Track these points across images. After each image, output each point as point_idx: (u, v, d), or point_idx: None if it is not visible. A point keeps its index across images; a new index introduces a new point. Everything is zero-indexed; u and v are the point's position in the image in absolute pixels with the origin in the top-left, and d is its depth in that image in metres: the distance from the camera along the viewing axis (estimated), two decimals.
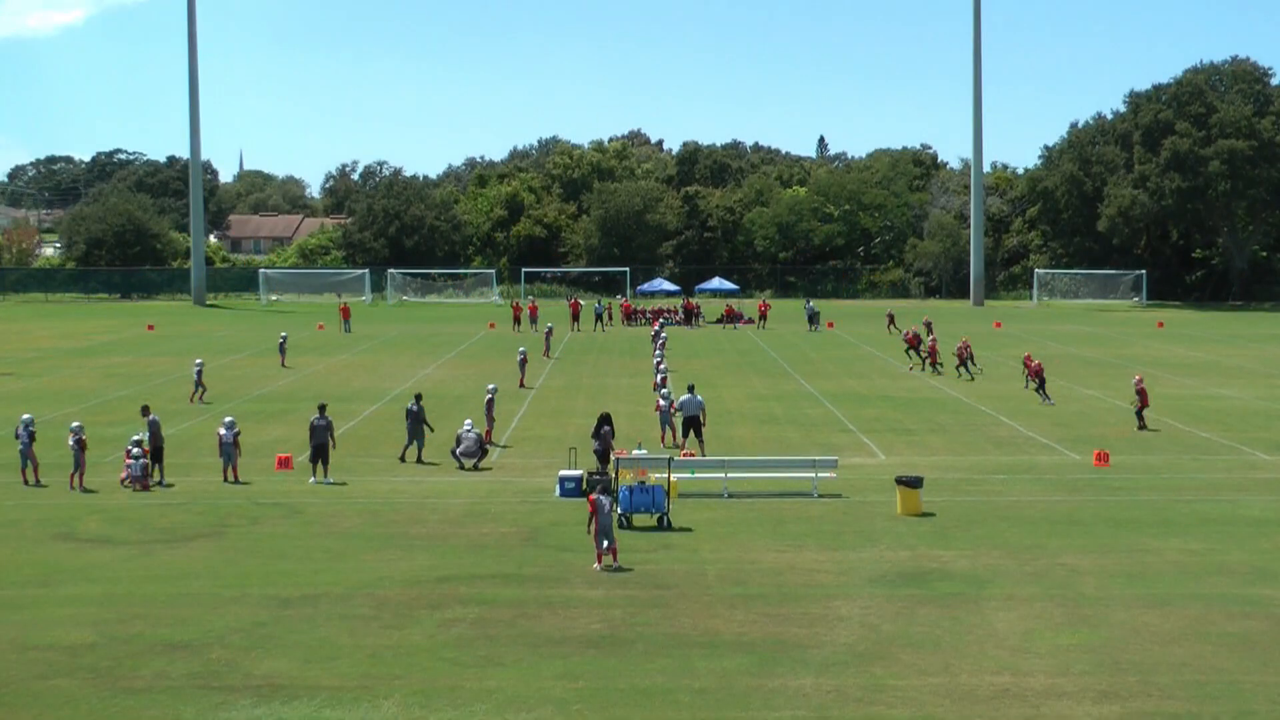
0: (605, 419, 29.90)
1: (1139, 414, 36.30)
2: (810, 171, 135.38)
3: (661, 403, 34.05)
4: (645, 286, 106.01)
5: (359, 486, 28.89)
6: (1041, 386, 40.71)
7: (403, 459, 31.63)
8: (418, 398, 32.48)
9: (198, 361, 44.34)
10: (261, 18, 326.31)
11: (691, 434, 31.95)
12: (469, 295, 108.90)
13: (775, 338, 62.59)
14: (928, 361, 50.36)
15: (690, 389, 33.00)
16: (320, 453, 29.18)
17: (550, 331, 59.62)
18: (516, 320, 73.91)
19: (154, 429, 29.19)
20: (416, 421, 31.33)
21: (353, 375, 50.71)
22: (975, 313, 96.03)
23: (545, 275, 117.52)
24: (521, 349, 48.29)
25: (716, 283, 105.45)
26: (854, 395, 44.77)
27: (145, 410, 30.33)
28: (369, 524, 25.08)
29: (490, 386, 35.39)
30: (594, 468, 28.06)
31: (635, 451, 28.03)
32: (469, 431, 30.95)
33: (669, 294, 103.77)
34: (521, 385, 45.45)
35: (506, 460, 32.16)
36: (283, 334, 56.17)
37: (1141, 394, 36.46)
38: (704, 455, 30.51)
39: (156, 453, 29.10)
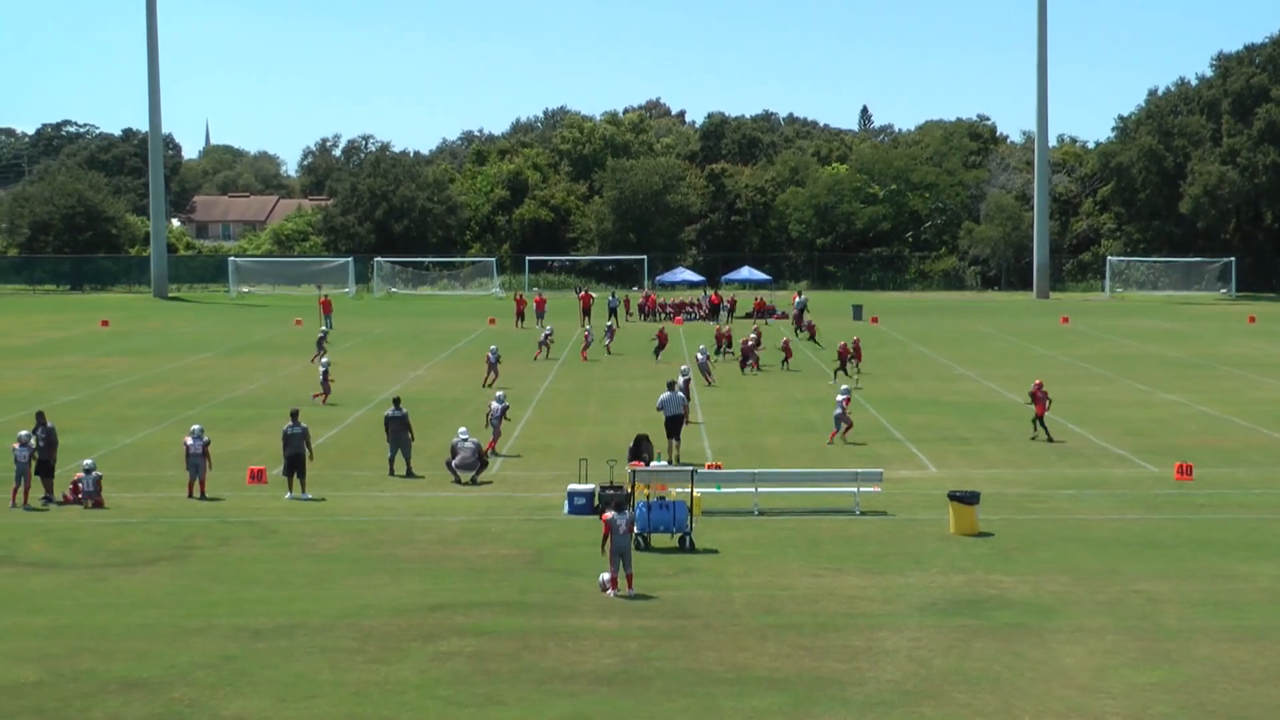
0: (642, 442, 30.73)
1: (1038, 421, 36.16)
2: (852, 147, 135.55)
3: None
4: (665, 276, 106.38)
5: (341, 502, 29.09)
6: (1040, 419, 36.56)
7: (391, 472, 31.76)
8: (396, 402, 32.59)
9: (324, 360, 47.15)
10: None
11: (674, 440, 33.19)
12: (466, 287, 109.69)
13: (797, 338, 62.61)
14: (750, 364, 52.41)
15: (670, 386, 34.13)
16: (295, 464, 29.35)
17: (549, 337, 58.37)
18: (520, 315, 74.22)
19: (48, 439, 28.79)
20: (400, 428, 31.53)
21: (335, 377, 50.98)
22: (1039, 306, 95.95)
23: (552, 264, 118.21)
24: (493, 347, 49.02)
25: (746, 272, 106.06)
26: (901, 399, 44.95)
27: (40, 417, 29.60)
28: (352, 545, 25.26)
29: (498, 395, 35.70)
30: (609, 481, 28.14)
31: (654, 463, 28.05)
32: (465, 441, 31.16)
33: (691, 285, 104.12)
34: (485, 385, 46.68)
35: (509, 473, 32.35)
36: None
37: (1037, 398, 36.30)
38: (679, 461, 31.34)
39: (45, 466, 28.67)
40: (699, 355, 49.55)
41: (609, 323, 65.38)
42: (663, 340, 56.25)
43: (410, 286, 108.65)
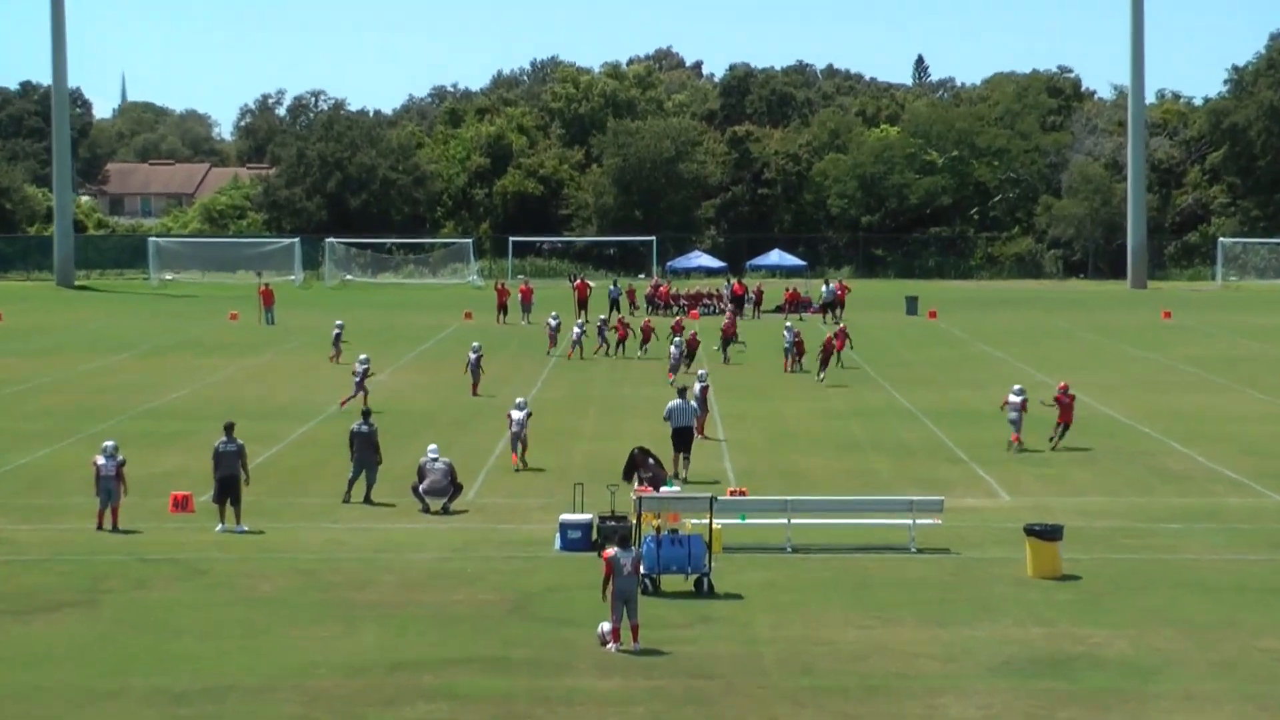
0: (639, 459, 30.71)
1: (1063, 430, 37.66)
2: (904, 105, 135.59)
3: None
4: (678, 262, 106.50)
5: (284, 536, 28.84)
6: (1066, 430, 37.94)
7: (347, 499, 31.72)
8: (366, 415, 32.69)
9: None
10: None
11: (682, 455, 34.09)
12: (437, 274, 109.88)
13: (858, 333, 62.51)
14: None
15: (682, 393, 35.08)
16: (228, 489, 29.16)
17: (556, 328, 60.46)
18: (502, 308, 74.19)
19: None
20: (367, 447, 31.53)
21: (277, 384, 50.94)
22: (1135, 298, 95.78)
23: (541, 247, 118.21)
24: (476, 345, 49.01)
25: (776, 256, 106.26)
26: (965, 411, 44.82)
27: None
28: (298, 588, 25.02)
29: (518, 402, 36.61)
30: (610, 510, 28.02)
31: (664, 488, 28.03)
32: (435, 461, 31.16)
33: (710, 272, 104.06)
34: (475, 394, 47.10)
35: (489, 499, 32.16)
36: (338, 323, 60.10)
37: (1063, 405, 37.54)
38: (686, 477, 32.37)
39: None
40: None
41: (601, 318, 63.21)
42: (692, 346, 54.06)
43: (369, 274, 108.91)
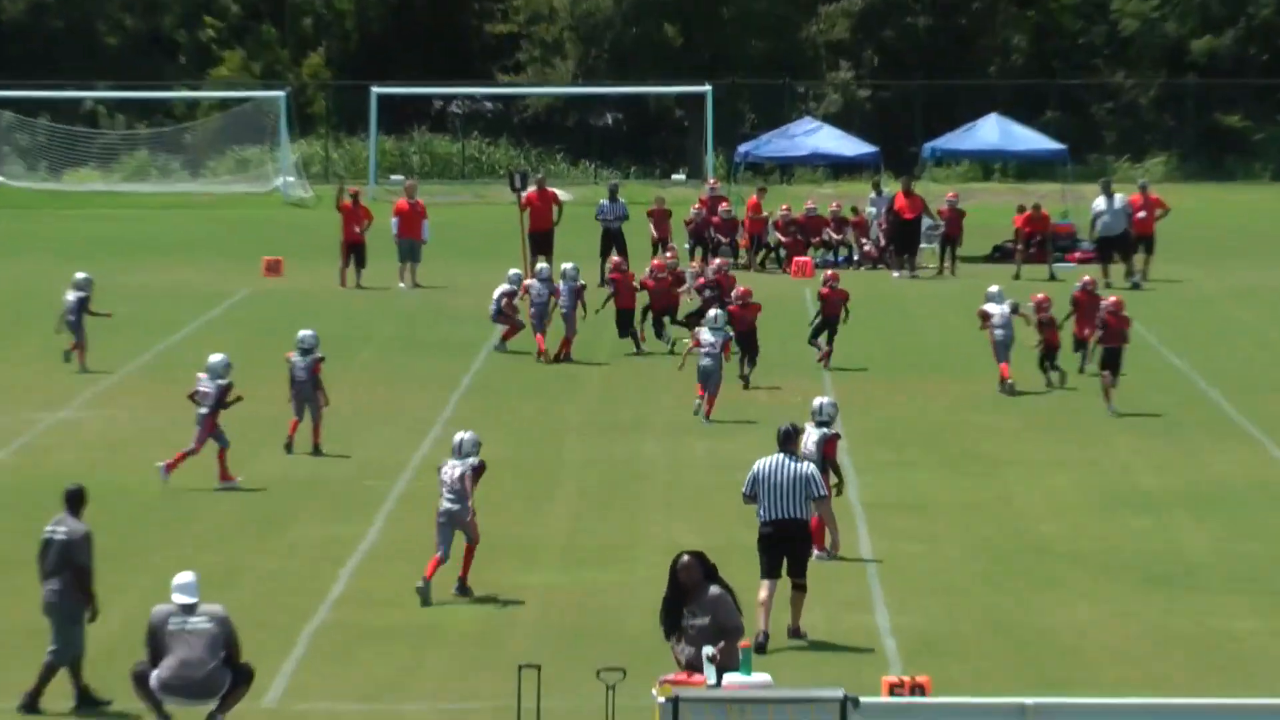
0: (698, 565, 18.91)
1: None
2: None
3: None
4: (765, 144, 55.75)
5: None
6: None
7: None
8: (73, 500, 19.20)
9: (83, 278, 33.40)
10: None
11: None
12: (199, 175, 63.31)
13: (1153, 309, 40.64)
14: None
15: (786, 439, 20.92)
16: None
17: (510, 295, 35.62)
18: (353, 249, 42.53)
19: None
20: (61, 567, 20.07)
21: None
22: None
23: (449, 107, 66.85)
24: (306, 336, 28.25)
25: (988, 130, 53.14)
26: None
27: None
28: None
29: (463, 439, 22.66)
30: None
31: (734, 676, 16.04)
32: (187, 619, 18.42)
33: (838, 166, 59.34)
34: (316, 446, 28.07)
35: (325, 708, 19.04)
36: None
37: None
38: (801, 631, 20.38)
39: None
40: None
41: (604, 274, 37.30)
42: (746, 321, 31.62)
43: (53, 173, 62.85)
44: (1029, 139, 53.32)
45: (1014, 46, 68.40)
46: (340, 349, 33.17)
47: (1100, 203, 42.95)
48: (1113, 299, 31.00)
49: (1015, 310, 32.05)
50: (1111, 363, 30.02)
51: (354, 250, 41.73)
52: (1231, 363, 37.97)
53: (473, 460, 21.47)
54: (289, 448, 26.78)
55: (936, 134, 55.43)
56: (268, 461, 27.19)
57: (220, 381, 25.75)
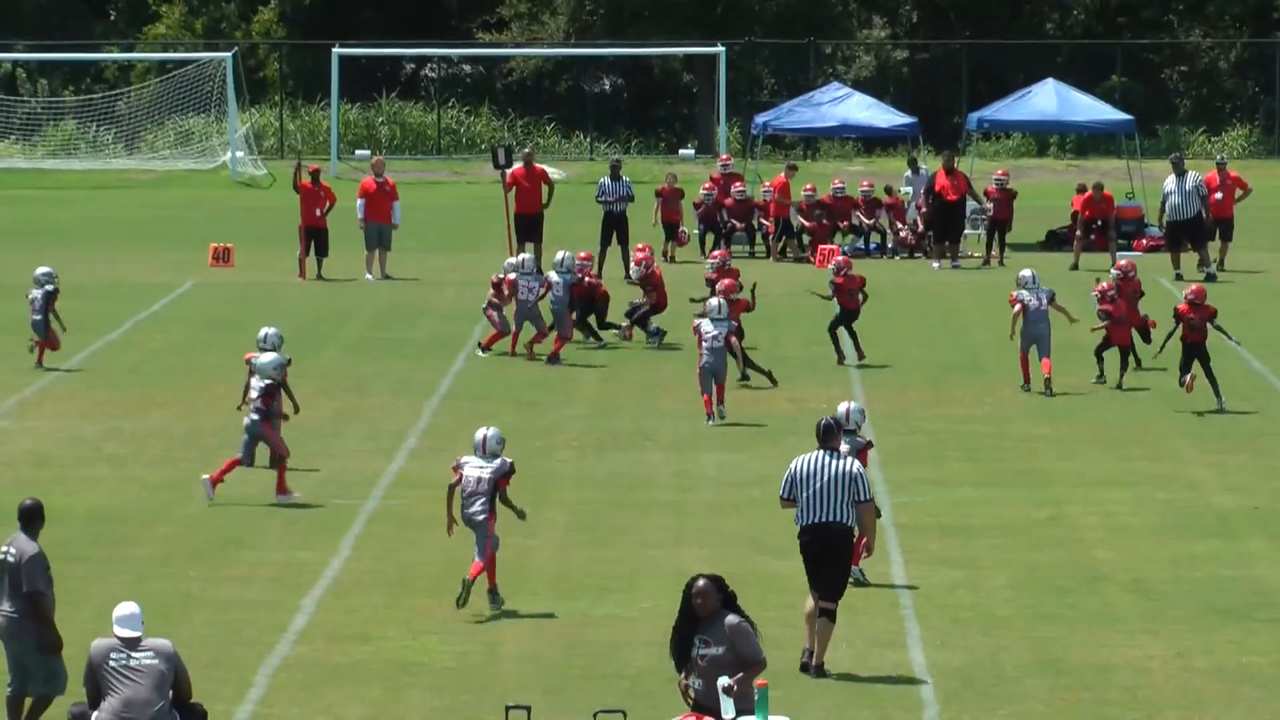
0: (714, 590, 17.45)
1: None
2: None
3: None
4: (785, 114, 50.73)
5: None
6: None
7: None
8: (29, 516, 18.62)
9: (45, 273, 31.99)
10: None
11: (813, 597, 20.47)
12: (135, 150, 60.42)
13: (1230, 303, 37.85)
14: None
15: (826, 434, 20.27)
16: None
17: (498, 287, 34.59)
18: (311, 238, 41.05)
19: None
20: (14, 585, 18.92)
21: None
22: None
23: (422, 72, 64.84)
24: (269, 334, 28.29)
25: (1046, 97, 50.85)
26: None
27: None
28: None
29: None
30: None
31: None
32: (129, 654, 17.46)
33: (871, 139, 56.19)
34: (279, 473, 28.26)
35: None
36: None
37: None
38: (819, 664, 19.60)
39: None
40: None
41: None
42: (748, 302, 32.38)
43: None
44: (1090, 108, 49.65)
45: (1074, 1, 64.40)
46: (300, 350, 32.00)
47: (1171, 182, 41.19)
48: (1194, 286, 29.77)
49: (1052, 300, 29.56)
50: (1198, 361, 28.92)
51: (314, 236, 39.93)
52: None
53: (498, 464, 21.14)
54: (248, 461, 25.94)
55: (984, 102, 52.54)
56: (186, 495, 25.78)
57: (267, 381, 24.72)
